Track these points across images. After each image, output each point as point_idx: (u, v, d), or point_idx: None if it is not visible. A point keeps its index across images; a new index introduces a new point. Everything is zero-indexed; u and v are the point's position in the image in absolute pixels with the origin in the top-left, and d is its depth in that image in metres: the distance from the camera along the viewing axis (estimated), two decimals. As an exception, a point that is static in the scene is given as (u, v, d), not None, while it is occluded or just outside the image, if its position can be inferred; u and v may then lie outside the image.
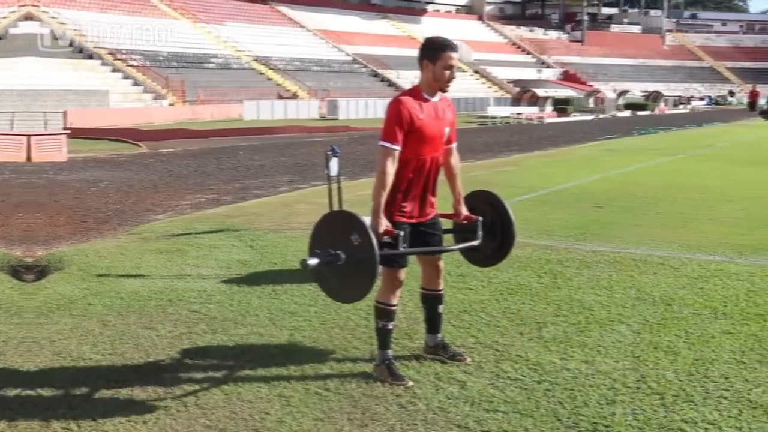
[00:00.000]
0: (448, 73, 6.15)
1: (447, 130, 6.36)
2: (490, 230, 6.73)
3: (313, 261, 5.89)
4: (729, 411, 5.61)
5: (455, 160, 6.65)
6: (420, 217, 6.32)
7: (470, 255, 7.03)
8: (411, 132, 6.04)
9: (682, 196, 16.43)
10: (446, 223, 6.72)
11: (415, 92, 6.23)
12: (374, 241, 5.66)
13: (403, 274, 6.24)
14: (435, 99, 6.25)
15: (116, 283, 9.37)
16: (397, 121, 6.00)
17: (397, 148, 6.00)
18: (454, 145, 6.60)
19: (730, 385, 6.09)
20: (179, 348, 7.07)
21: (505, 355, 6.78)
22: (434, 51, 6.16)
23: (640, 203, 15.47)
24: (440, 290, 6.68)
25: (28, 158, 26.24)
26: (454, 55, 6.16)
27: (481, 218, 6.62)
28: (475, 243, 6.60)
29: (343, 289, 5.99)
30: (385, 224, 5.97)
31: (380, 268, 5.77)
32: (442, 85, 6.21)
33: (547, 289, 8.98)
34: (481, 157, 28.12)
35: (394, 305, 6.29)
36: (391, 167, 6.00)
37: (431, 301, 6.71)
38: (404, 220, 6.18)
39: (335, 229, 5.98)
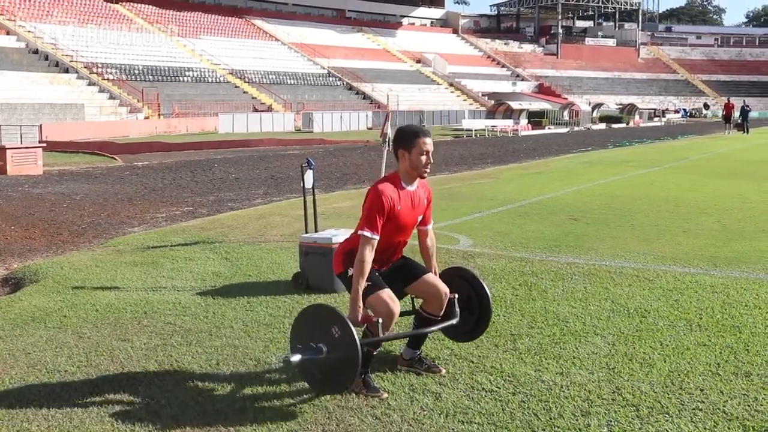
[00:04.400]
0: (424, 158, 6.22)
1: (420, 217, 6.50)
2: (467, 305, 6.84)
3: (296, 357, 5.97)
4: (704, 423, 5.61)
5: (431, 240, 6.81)
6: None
7: (449, 331, 7.03)
8: (387, 221, 6.16)
9: (657, 209, 16.50)
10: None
11: (394, 180, 6.30)
12: (354, 332, 5.75)
13: (391, 300, 6.17)
14: (413, 188, 6.35)
15: (91, 295, 9.34)
16: (378, 210, 6.09)
17: (377, 237, 6.11)
18: (430, 227, 6.74)
19: (705, 397, 6.10)
20: (154, 360, 7.05)
21: (479, 367, 6.78)
22: (408, 139, 6.24)
23: (615, 215, 15.52)
24: (441, 316, 6.67)
25: (3, 171, 26.27)
26: (427, 140, 6.25)
27: (456, 295, 6.70)
28: (454, 321, 6.65)
29: (326, 381, 6.03)
30: (363, 313, 6.06)
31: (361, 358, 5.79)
32: (420, 171, 6.28)
33: (522, 301, 8.98)
34: (456, 169, 28.24)
35: (384, 336, 6.25)
36: (370, 256, 6.09)
37: (428, 324, 6.67)
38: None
39: (315, 323, 6.07)
